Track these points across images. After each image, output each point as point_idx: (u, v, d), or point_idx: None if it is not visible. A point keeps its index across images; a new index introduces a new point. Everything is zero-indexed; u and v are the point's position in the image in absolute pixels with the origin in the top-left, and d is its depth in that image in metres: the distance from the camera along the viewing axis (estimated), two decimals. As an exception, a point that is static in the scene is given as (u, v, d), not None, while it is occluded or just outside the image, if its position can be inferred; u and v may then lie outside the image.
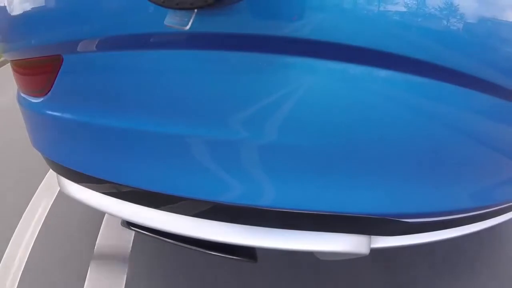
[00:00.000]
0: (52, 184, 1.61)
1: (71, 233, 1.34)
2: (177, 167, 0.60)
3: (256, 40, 0.48)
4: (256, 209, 0.58)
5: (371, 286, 1.06)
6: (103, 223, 1.36)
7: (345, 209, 0.58)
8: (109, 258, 1.22)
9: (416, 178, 0.58)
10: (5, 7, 0.65)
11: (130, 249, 1.23)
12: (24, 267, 1.21)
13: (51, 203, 1.52)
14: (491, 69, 0.52)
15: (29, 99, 0.76)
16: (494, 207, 0.75)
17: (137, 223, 0.69)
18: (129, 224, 0.76)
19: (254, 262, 0.71)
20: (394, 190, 0.58)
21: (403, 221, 0.62)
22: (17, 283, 1.15)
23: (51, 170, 1.54)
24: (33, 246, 1.29)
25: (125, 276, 1.12)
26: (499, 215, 0.82)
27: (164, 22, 0.44)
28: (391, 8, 0.45)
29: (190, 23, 0.43)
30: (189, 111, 0.56)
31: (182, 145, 0.58)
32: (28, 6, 0.62)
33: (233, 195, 0.59)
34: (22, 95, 0.80)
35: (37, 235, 1.35)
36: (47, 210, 1.48)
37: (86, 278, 1.12)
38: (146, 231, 0.75)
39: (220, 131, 0.55)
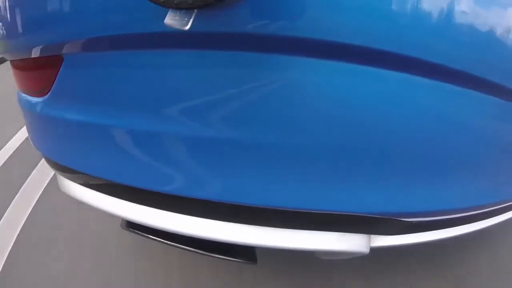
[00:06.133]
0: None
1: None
2: (179, 168, 0.60)
3: (257, 39, 0.48)
4: (258, 208, 0.59)
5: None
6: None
7: (346, 208, 0.58)
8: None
9: (416, 177, 0.58)
10: (5, 6, 0.65)
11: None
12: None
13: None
14: (492, 68, 0.52)
15: (29, 99, 0.76)
16: (493, 207, 0.75)
17: (137, 222, 0.69)
18: (128, 226, 0.76)
19: (254, 263, 0.71)
20: (395, 189, 0.58)
21: (404, 220, 0.62)
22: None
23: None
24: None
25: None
26: (499, 214, 0.82)
27: (164, 22, 0.43)
28: (391, 7, 0.45)
29: (190, 23, 0.42)
30: (190, 111, 0.56)
31: (183, 145, 0.58)
32: (28, 6, 0.62)
33: (234, 195, 0.59)
34: (23, 95, 0.80)
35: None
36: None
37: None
38: (146, 233, 0.74)
39: (223, 131, 0.55)
